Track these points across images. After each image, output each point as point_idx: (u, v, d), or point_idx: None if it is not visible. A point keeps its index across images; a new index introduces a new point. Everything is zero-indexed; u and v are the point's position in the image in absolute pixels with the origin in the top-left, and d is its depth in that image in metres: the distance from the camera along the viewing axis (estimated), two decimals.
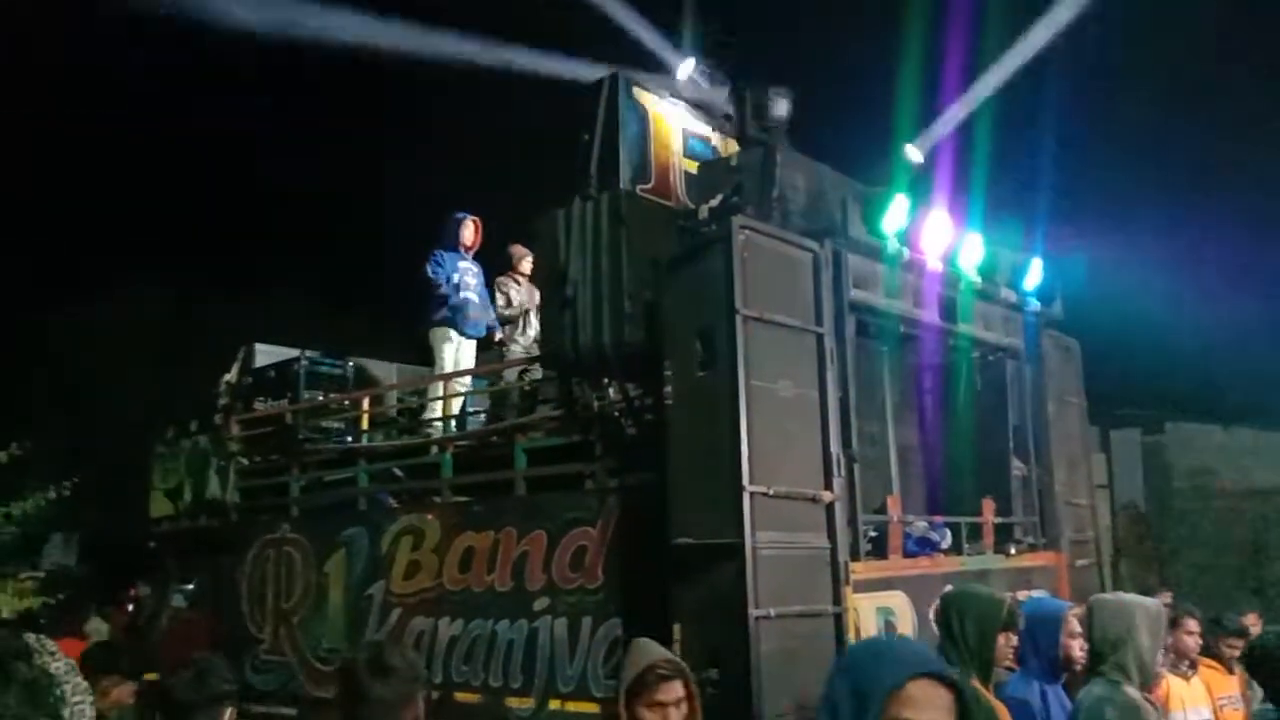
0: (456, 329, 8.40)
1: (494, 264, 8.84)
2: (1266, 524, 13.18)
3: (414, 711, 3.00)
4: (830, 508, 4.95)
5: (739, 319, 4.70)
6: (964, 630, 3.91)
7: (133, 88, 18.79)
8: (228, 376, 8.99)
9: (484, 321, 8.60)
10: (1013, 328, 6.79)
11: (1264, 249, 12.67)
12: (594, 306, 5.49)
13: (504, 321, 8.63)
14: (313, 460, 7.93)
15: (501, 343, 8.72)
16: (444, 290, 8.30)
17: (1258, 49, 12.73)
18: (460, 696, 5.95)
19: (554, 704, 5.62)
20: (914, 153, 6.02)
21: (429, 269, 8.35)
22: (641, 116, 5.98)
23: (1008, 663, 4.12)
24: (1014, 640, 4.05)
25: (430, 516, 6.61)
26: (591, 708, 5.45)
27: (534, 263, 7.93)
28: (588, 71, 6.39)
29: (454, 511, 6.56)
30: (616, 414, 5.74)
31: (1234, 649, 5.49)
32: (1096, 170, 13.40)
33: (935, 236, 5.86)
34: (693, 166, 6.25)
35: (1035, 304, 6.85)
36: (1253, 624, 6.15)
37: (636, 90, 5.98)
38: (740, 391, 4.64)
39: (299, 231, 18.25)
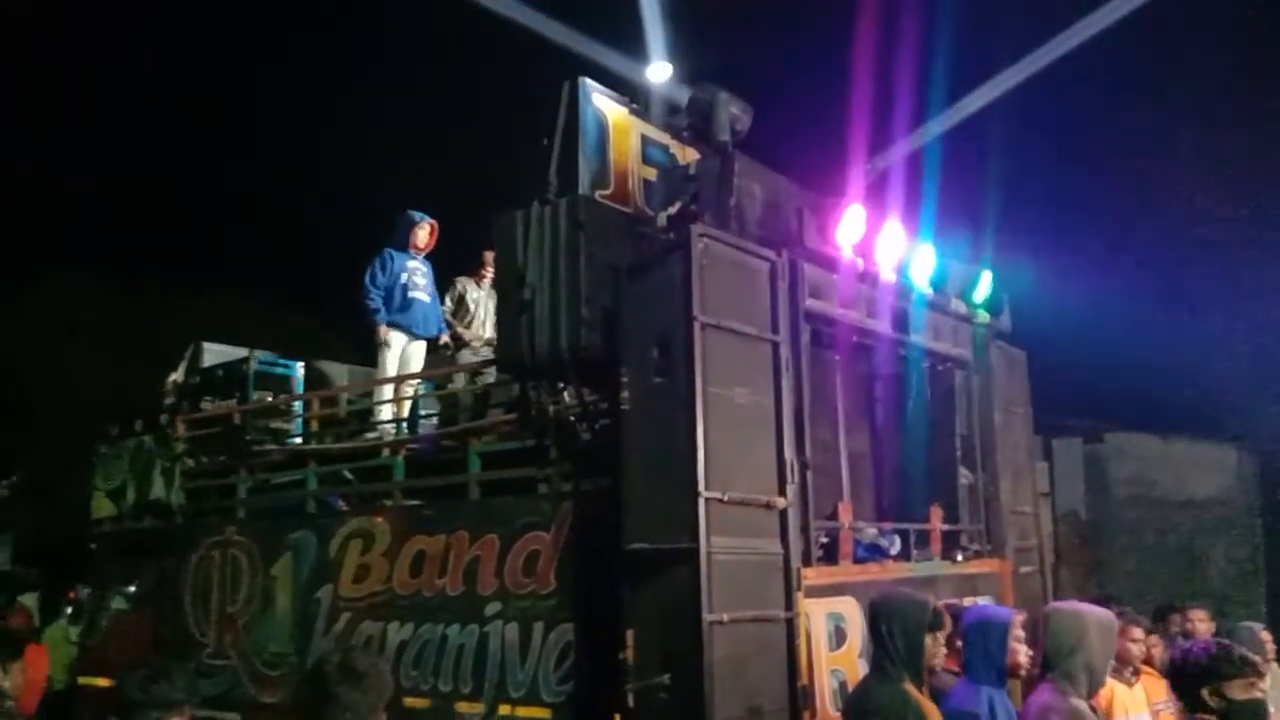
0: (404, 330, 8.34)
1: (447, 266, 8.80)
2: (1202, 533, 13.49)
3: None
4: (783, 514, 4.99)
5: (696, 326, 4.73)
6: (892, 635, 3.99)
7: (79, 71, 18.39)
8: (174, 375, 8.84)
9: (434, 321, 8.54)
10: (962, 339, 6.91)
11: (1201, 263, 13.00)
12: (551, 310, 5.48)
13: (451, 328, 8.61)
14: (261, 462, 7.82)
15: (447, 345, 8.66)
16: (371, 301, 8.22)
17: (1207, 63, 13.01)
18: (409, 701, 5.91)
19: (504, 709, 5.61)
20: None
21: (367, 276, 8.29)
22: (601, 123, 5.98)
23: (938, 662, 4.18)
24: (941, 640, 4.11)
25: (380, 520, 6.55)
26: (542, 713, 5.44)
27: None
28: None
29: (405, 515, 6.51)
30: (572, 419, 5.73)
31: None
32: (1043, 183, 13.65)
33: (889, 248, 5.95)
34: (651, 173, 6.27)
35: (984, 315, 6.98)
36: (1201, 620, 6.26)
37: (597, 96, 5.99)
38: (697, 398, 4.67)
39: (254, 228, 17.94)
